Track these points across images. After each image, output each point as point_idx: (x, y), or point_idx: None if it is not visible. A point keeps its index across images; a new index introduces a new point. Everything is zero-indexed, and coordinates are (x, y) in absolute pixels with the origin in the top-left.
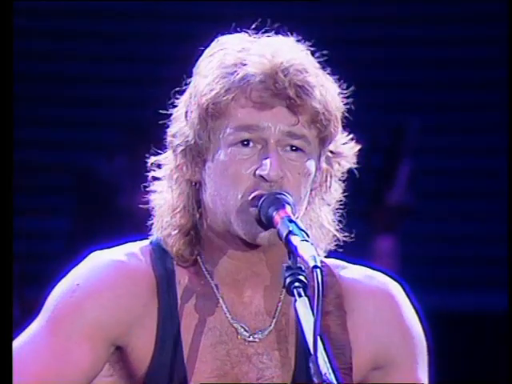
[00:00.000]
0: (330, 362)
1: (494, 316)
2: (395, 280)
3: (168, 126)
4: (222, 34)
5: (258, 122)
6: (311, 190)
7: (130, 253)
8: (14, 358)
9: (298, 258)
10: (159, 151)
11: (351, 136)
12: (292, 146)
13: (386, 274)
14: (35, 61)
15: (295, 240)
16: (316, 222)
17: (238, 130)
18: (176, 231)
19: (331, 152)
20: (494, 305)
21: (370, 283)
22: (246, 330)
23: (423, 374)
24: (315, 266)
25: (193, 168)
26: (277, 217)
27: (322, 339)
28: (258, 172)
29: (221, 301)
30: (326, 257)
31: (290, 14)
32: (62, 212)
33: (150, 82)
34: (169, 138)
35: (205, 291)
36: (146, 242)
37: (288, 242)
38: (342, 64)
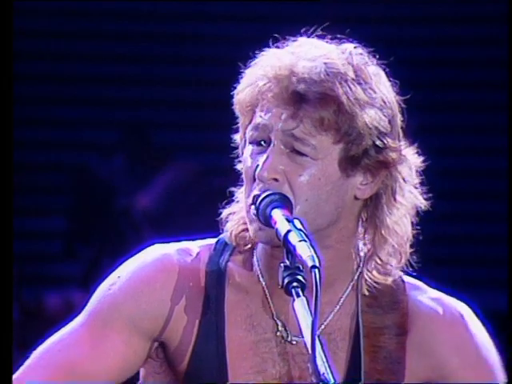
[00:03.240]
0: (327, 361)
1: (494, 316)
2: (468, 306)
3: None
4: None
5: (265, 122)
6: (368, 201)
7: (183, 248)
8: (51, 347)
9: (297, 258)
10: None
11: (402, 144)
12: (296, 149)
13: (461, 301)
14: (35, 61)
15: (293, 239)
16: (388, 235)
17: (252, 130)
18: (237, 218)
19: (374, 160)
20: (494, 305)
21: (435, 306)
22: (286, 329)
23: None
24: (313, 266)
25: None
26: (275, 216)
27: (319, 340)
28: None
29: (269, 299)
30: (407, 274)
31: (286, 14)
32: (60, 212)
33: (149, 82)
34: (236, 136)
35: (254, 288)
36: (212, 240)
37: (286, 242)
38: None
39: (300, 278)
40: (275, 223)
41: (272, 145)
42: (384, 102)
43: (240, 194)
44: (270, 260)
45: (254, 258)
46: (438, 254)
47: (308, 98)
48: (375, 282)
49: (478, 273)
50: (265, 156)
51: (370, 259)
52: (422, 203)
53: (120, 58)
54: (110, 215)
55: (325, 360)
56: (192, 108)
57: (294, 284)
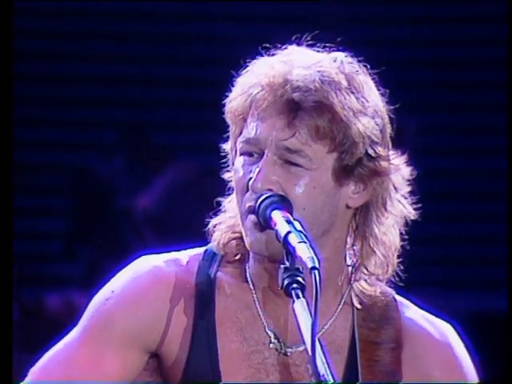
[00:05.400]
0: (327, 363)
1: (494, 316)
2: (454, 328)
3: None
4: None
5: (257, 135)
6: (358, 210)
7: (172, 259)
8: (46, 362)
9: (296, 260)
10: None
11: (393, 153)
12: (290, 160)
13: (445, 321)
14: (35, 61)
15: (293, 241)
16: (376, 244)
17: (243, 142)
18: (224, 228)
19: (367, 168)
20: (494, 305)
21: (426, 324)
22: (279, 341)
23: None
24: (313, 268)
25: None
26: (275, 217)
27: (319, 341)
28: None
29: (260, 311)
30: (397, 293)
31: (286, 14)
32: (60, 212)
33: (149, 82)
34: (225, 146)
35: (245, 299)
36: (200, 249)
37: (286, 243)
38: None
39: (300, 279)
40: (275, 225)
41: (265, 156)
42: (375, 111)
43: (227, 203)
44: (262, 272)
45: (247, 269)
46: (439, 254)
47: (303, 107)
48: (365, 295)
49: (478, 273)
50: (258, 168)
51: (357, 270)
52: (411, 213)
53: (120, 58)
54: (110, 215)
55: (324, 361)
56: (192, 108)
57: (294, 285)
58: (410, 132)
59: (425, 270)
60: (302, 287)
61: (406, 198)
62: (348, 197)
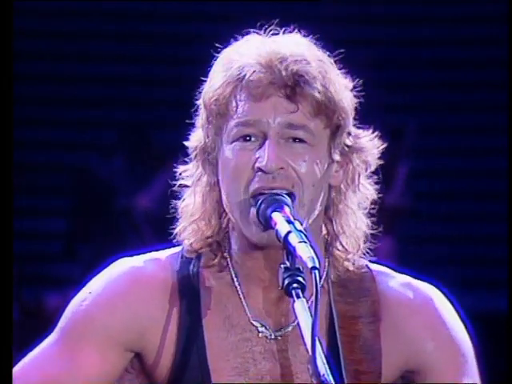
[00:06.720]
0: (328, 362)
1: (494, 316)
2: (438, 289)
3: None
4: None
5: (257, 116)
6: (332, 188)
7: (151, 259)
8: (25, 365)
9: (297, 259)
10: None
11: (372, 132)
12: (294, 138)
13: (430, 283)
14: (35, 61)
15: (294, 241)
16: (346, 224)
17: (238, 126)
18: (198, 234)
19: (347, 146)
20: (494, 305)
21: (405, 290)
22: (266, 328)
23: (468, 379)
24: (313, 267)
25: (209, 169)
26: (275, 218)
27: (319, 341)
28: (256, 165)
29: (243, 299)
30: (371, 262)
31: (286, 14)
32: (60, 212)
33: (149, 82)
34: (189, 143)
35: (229, 290)
36: (178, 248)
37: (286, 243)
38: (342, 64)
39: (300, 279)
40: (275, 224)
41: (269, 136)
42: (349, 88)
43: (186, 207)
44: (248, 263)
45: (228, 261)
46: (439, 254)
47: (304, 80)
48: (339, 270)
49: (478, 273)
50: (265, 149)
51: (331, 245)
52: (374, 194)
53: (120, 58)
54: (110, 215)
55: (325, 361)
56: (192, 108)
57: (294, 285)
58: (410, 132)
59: (424, 270)
60: (303, 287)
61: (370, 178)
62: (331, 175)
